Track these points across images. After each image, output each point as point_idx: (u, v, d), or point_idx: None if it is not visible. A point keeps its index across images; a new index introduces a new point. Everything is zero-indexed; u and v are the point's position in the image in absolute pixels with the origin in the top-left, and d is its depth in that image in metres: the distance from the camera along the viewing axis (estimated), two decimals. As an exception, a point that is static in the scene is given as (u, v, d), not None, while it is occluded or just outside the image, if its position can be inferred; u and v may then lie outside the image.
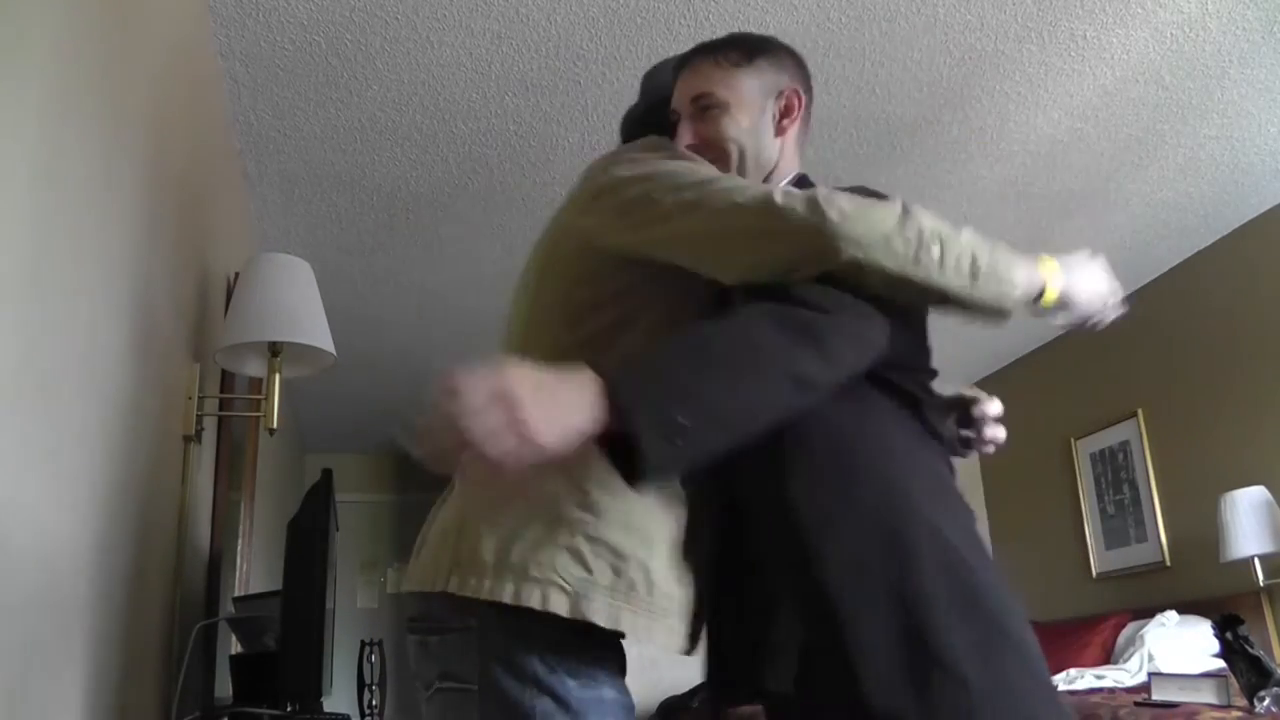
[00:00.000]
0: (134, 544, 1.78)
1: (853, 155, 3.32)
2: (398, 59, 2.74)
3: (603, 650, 1.17)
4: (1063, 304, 1.21)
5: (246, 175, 3.28)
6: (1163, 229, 4.02)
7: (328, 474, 2.15)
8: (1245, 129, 3.30)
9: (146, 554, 1.89)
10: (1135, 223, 3.95)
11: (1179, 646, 3.64)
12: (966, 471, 5.70)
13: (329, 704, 2.22)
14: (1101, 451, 4.81)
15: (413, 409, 0.98)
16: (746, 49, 1.34)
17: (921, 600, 1.08)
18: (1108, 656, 4.00)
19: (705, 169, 1.24)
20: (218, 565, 2.58)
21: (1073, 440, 4.98)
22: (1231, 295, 4.07)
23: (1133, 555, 4.57)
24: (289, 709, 2.04)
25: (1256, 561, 3.63)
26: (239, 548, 2.98)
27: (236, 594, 2.82)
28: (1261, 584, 3.67)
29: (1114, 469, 4.73)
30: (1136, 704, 2.80)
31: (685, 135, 1.31)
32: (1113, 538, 4.72)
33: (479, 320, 4.31)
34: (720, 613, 1.22)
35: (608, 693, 1.15)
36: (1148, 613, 3.98)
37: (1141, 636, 3.80)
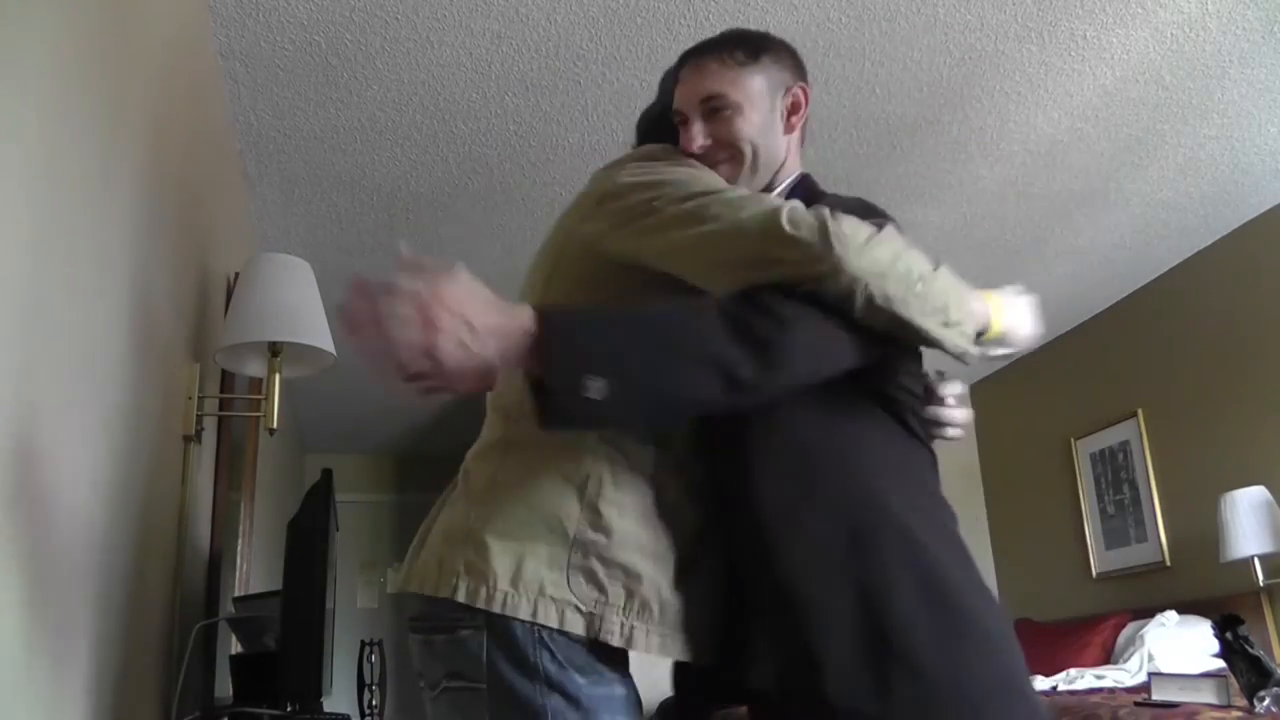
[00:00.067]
0: (134, 544, 1.78)
1: (853, 155, 3.32)
2: (398, 59, 2.74)
3: (610, 648, 1.17)
4: (1001, 340, 1.24)
5: (246, 175, 3.28)
6: (1163, 229, 4.02)
7: (328, 474, 2.15)
8: (1245, 129, 3.30)
9: (146, 554, 1.89)
10: (1135, 223, 3.95)
11: (1179, 646, 3.64)
12: (967, 471, 5.70)
13: (329, 704, 2.22)
14: (1101, 451, 4.81)
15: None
16: (750, 47, 1.33)
17: (882, 591, 1.09)
18: (1108, 656, 4.00)
19: (709, 178, 1.24)
20: (218, 565, 2.58)
21: (1073, 440, 4.98)
22: (1231, 295, 4.07)
23: (1133, 555, 4.57)
24: (289, 709, 2.04)
25: (1256, 561, 3.63)
26: (239, 548, 2.98)
27: (236, 594, 2.82)
28: (1261, 584, 3.67)
29: (1114, 469, 4.73)
30: (1136, 704, 2.80)
31: (697, 137, 1.30)
32: (1113, 538, 4.72)
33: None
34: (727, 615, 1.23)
35: (617, 689, 1.17)
36: (1148, 613, 3.98)
37: (1141, 636, 3.80)
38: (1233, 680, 2.65)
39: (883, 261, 1.11)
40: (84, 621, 1.49)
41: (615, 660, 1.18)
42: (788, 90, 1.34)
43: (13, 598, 1.18)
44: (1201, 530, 3.99)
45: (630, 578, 1.15)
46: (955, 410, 1.31)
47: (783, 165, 1.35)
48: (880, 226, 1.13)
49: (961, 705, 1.07)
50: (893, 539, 1.12)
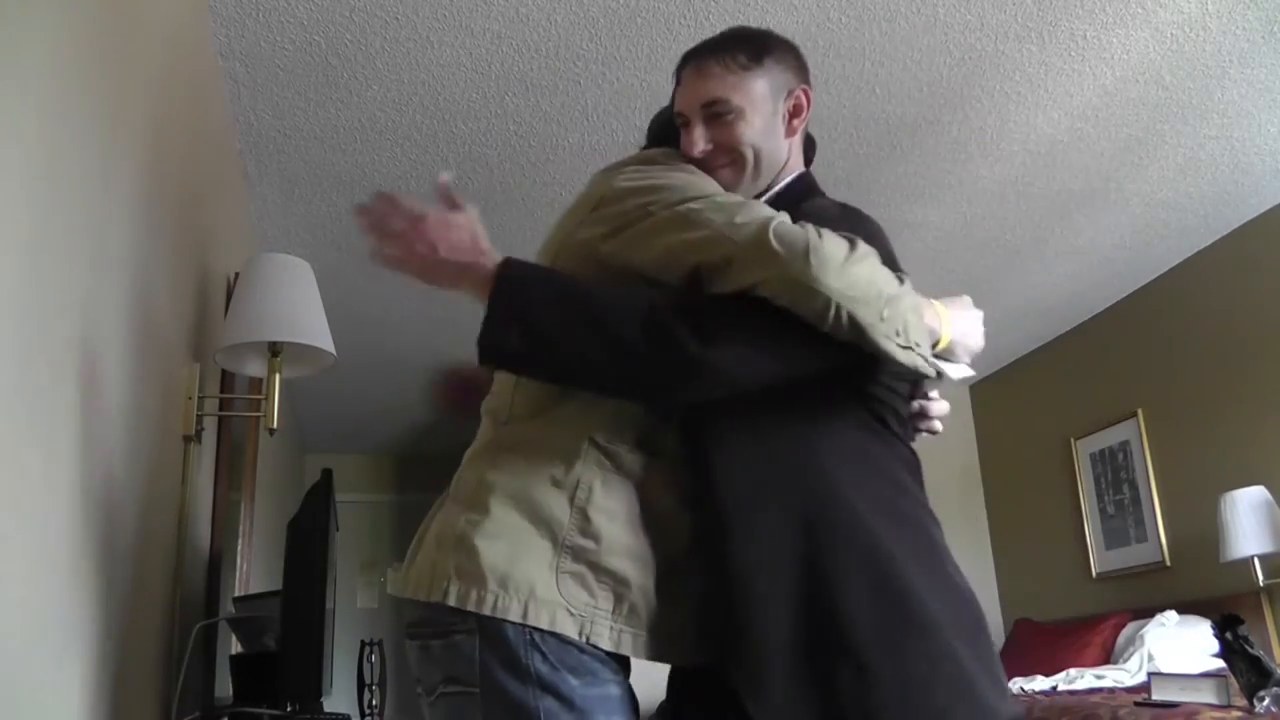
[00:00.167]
0: (134, 544, 1.78)
1: (853, 155, 3.32)
2: (398, 59, 2.74)
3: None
4: (950, 351, 1.24)
5: (246, 175, 3.28)
6: (1163, 229, 4.02)
7: (328, 474, 2.14)
8: (1245, 129, 3.30)
9: (146, 554, 1.89)
10: (1135, 223, 3.95)
11: (1179, 646, 3.64)
12: (967, 471, 5.70)
13: (329, 704, 2.22)
14: (1101, 451, 4.81)
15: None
16: (754, 49, 1.32)
17: (831, 587, 1.10)
18: (1108, 656, 4.00)
19: (705, 184, 1.24)
20: (218, 565, 2.58)
21: (1073, 440, 4.98)
22: (1231, 295, 4.07)
23: (1133, 555, 4.57)
24: (289, 709, 2.04)
25: (1256, 561, 3.63)
26: (239, 548, 2.98)
27: (236, 594, 2.82)
28: (1261, 584, 3.67)
29: (1114, 469, 4.73)
30: (1136, 704, 2.80)
31: (699, 141, 1.30)
32: (1113, 538, 4.72)
33: (480, 320, 4.30)
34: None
35: (612, 690, 1.16)
36: (1148, 613, 3.98)
37: (1141, 636, 3.80)
38: (1232, 680, 2.65)
39: (858, 284, 1.11)
40: (84, 622, 1.49)
41: (611, 660, 1.17)
42: (790, 93, 1.34)
43: (13, 598, 1.18)
44: (1201, 530, 3.99)
45: (619, 583, 1.16)
46: (934, 403, 1.31)
47: (784, 167, 1.35)
48: (852, 242, 1.13)
49: (902, 701, 1.07)
50: (847, 536, 1.13)
